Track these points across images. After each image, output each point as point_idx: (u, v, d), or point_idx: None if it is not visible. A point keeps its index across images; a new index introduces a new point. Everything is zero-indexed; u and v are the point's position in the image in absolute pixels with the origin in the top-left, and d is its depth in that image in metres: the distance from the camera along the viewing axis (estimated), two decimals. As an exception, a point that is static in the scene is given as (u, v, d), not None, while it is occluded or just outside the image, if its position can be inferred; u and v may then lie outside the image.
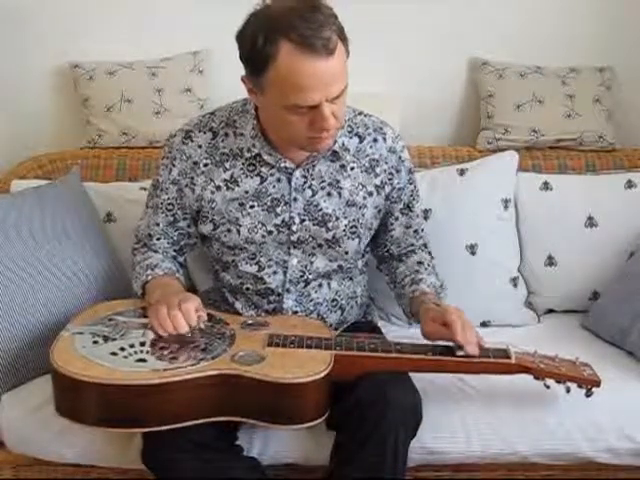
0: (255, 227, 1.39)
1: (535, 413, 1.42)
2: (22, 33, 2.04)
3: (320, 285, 1.46)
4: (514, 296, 1.83)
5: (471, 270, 1.77)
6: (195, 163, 1.39)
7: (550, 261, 1.84)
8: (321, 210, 1.39)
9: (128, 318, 1.35)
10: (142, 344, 1.26)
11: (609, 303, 1.74)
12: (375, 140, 1.42)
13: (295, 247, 1.41)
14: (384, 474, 1.22)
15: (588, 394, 1.32)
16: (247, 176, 1.38)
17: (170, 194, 1.42)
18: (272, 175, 1.38)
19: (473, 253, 1.78)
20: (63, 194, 1.70)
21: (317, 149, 1.32)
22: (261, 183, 1.38)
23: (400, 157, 1.45)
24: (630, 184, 1.87)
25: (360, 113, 1.44)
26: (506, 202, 1.83)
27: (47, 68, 2.08)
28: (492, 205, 1.82)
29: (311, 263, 1.43)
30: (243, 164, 1.38)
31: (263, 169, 1.38)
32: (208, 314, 1.33)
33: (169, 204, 1.44)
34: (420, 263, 1.50)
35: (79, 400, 1.20)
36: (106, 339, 1.27)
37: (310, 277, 1.44)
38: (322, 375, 1.21)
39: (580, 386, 1.32)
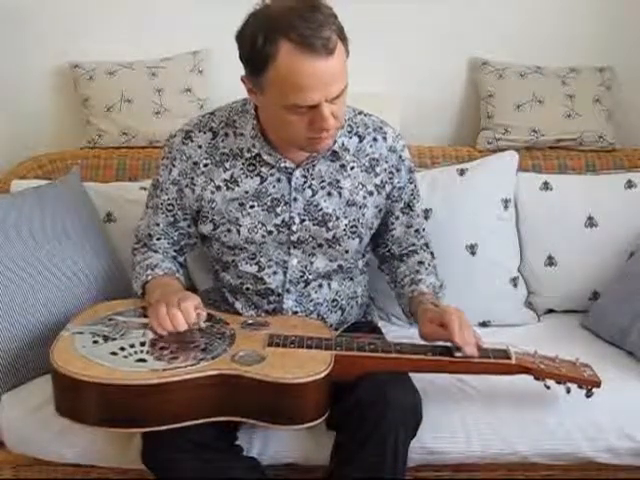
0: (255, 227, 1.39)
1: (535, 413, 1.42)
2: (22, 33, 2.04)
3: (320, 285, 1.46)
4: (514, 296, 1.83)
5: (471, 270, 1.77)
6: (195, 163, 1.39)
7: (550, 261, 1.84)
8: (321, 210, 1.39)
9: (128, 318, 1.35)
10: (142, 344, 1.26)
11: (609, 303, 1.74)
12: (375, 139, 1.42)
13: (295, 247, 1.41)
14: (384, 474, 1.22)
15: (588, 395, 1.32)
16: (247, 176, 1.38)
17: (170, 194, 1.42)
18: (272, 175, 1.38)
19: (473, 253, 1.78)
20: (63, 194, 1.70)
21: (317, 149, 1.32)
22: (261, 183, 1.38)
23: (400, 156, 1.45)
24: (630, 184, 1.87)
25: (360, 112, 1.44)
26: (506, 202, 1.83)
27: (47, 68, 2.08)
28: (492, 205, 1.82)
29: (311, 263, 1.43)
30: (243, 164, 1.38)
31: (263, 169, 1.38)
32: (208, 314, 1.33)
33: (169, 204, 1.44)
34: (421, 263, 1.50)
35: (79, 400, 1.20)
36: (106, 339, 1.27)
37: (310, 277, 1.44)
38: (322, 375, 1.21)
39: (580, 387, 1.32)
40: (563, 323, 1.82)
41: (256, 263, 1.42)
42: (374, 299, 1.73)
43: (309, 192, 1.39)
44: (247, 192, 1.38)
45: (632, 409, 1.44)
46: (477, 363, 1.29)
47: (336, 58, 1.18)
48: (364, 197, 1.42)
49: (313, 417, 1.23)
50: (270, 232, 1.39)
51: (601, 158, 2.01)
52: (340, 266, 1.46)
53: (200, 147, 1.39)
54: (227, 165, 1.38)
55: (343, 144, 1.39)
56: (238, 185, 1.38)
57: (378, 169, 1.43)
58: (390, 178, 1.44)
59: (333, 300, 1.49)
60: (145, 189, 1.62)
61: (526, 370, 1.31)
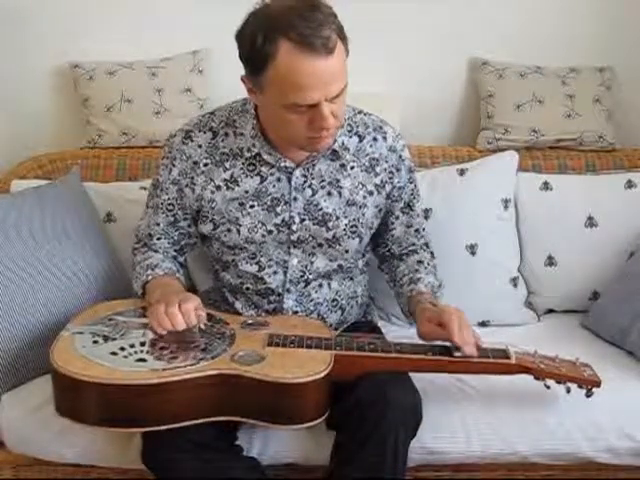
0: (255, 227, 1.39)
1: (535, 413, 1.42)
2: (22, 33, 2.04)
3: (320, 285, 1.46)
4: (514, 296, 1.83)
5: (471, 270, 1.77)
6: (195, 163, 1.39)
7: (550, 261, 1.84)
8: (321, 209, 1.39)
9: (128, 318, 1.35)
10: (142, 344, 1.26)
11: (609, 303, 1.73)
12: (375, 139, 1.42)
13: (295, 247, 1.41)
14: (384, 474, 1.22)
15: (588, 394, 1.32)
16: (247, 176, 1.38)
17: (170, 194, 1.42)
18: (272, 175, 1.38)
19: (473, 253, 1.78)
20: (63, 194, 1.70)
21: (316, 148, 1.32)
22: (261, 183, 1.38)
23: (400, 156, 1.45)
24: (630, 184, 1.87)
25: (360, 112, 1.44)
26: (506, 202, 1.83)
27: (47, 68, 2.08)
28: (492, 205, 1.82)
29: (311, 263, 1.43)
30: (243, 164, 1.38)
31: (263, 169, 1.38)
32: (208, 314, 1.33)
33: (169, 204, 1.44)
34: (420, 262, 1.50)
35: (79, 400, 1.20)
36: (106, 339, 1.27)
37: (310, 277, 1.44)
38: (322, 375, 1.21)
39: (580, 386, 1.32)
40: (563, 323, 1.82)
41: (256, 263, 1.42)
42: (374, 299, 1.73)
43: (309, 192, 1.39)
44: (247, 192, 1.38)
45: (632, 409, 1.44)
46: (477, 363, 1.29)
47: (336, 57, 1.18)
48: (364, 197, 1.42)
49: (313, 417, 1.23)
50: (270, 232, 1.39)
51: (601, 158, 2.01)
52: (340, 266, 1.46)
53: (200, 147, 1.39)
54: (227, 165, 1.38)
55: (343, 143, 1.39)
56: (238, 185, 1.38)
57: (378, 169, 1.43)
58: (390, 178, 1.44)
59: (333, 300, 1.49)
60: (145, 189, 1.62)
61: (526, 370, 1.31)
